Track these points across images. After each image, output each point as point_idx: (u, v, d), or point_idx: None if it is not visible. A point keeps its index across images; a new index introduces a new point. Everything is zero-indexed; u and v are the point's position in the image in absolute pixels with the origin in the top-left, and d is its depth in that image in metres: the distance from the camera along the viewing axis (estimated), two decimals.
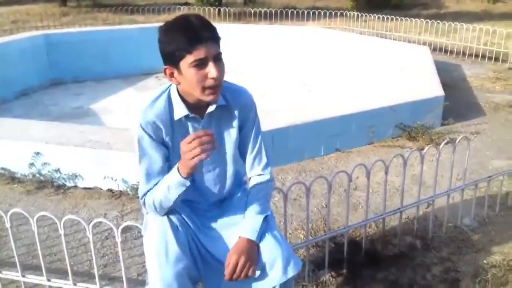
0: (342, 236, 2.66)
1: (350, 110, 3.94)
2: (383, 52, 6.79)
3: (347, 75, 7.10)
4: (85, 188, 3.46)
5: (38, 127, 3.76)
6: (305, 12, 10.43)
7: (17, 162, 3.49)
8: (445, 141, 2.73)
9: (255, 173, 1.80)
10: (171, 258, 1.57)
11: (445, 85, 5.17)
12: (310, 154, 3.83)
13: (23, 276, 2.15)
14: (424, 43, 8.35)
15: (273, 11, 10.84)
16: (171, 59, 1.51)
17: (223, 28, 9.03)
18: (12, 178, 3.54)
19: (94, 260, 2.09)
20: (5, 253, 2.68)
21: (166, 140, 1.64)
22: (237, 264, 1.57)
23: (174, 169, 1.56)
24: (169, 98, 1.63)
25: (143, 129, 1.60)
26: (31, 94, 7.34)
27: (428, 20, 8.61)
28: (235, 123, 1.72)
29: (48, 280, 2.14)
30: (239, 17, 11.51)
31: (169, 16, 11.00)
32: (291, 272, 1.61)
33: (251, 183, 1.80)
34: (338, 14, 10.70)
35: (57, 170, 3.45)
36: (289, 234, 2.86)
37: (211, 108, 1.62)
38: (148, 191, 1.66)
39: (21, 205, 3.20)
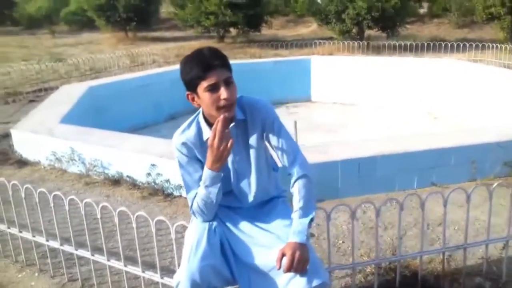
0: (406, 268, 2.64)
1: (448, 143, 3.78)
2: None
3: (471, 108, 6.68)
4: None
5: (157, 142, 4.40)
6: (449, 45, 9.99)
7: (139, 171, 4.14)
8: None
9: (289, 171, 1.93)
10: (199, 254, 1.82)
11: None
12: (401, 185, 3.76)
13: (108, 260, 2.63)
14: None
15: (415, 44, 10.57)
16: (190, 86, 1.81)
17: (350, 60, 9.16)
18: (133, 185, 4.20)
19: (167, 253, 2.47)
20: (111, 244, 3.24)
21: (199, 157, 1.92)
22: (293, 258, 1.71)
23: (205, 170, 1.83)
24: (197, 123, 1.92)
25: (179, 150, 1.91)
26: (177, 118, 8.35)
27: None
28: (257, 133, 1.92)
29: (125, 266, 2.57)
30: (380, 50, 11.46)
31: (311, 50, 11.47)
32: (315, 282, 1.72)
33: (291, 182, 1.93)
34: (486, 46, 9.99)
35: (167, 181, 4.00)
36: None
37: (232, 124, 1.85)
38: (193, 200, 1.94)
39: (136, 207, 3.79)
